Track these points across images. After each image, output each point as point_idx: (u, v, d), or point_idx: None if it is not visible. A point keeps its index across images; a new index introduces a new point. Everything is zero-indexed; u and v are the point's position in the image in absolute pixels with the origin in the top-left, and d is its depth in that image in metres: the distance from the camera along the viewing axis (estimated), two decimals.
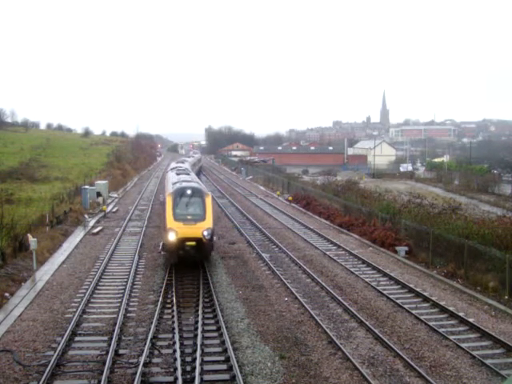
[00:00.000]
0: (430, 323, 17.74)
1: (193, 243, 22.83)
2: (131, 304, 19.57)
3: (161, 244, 26.45)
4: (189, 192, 23.78)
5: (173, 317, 17.85)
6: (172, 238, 22.59)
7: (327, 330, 16.95)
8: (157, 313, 18.09)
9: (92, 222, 36.81)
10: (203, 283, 21.74)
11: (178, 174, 30.39)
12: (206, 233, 22.78)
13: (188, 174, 31.24)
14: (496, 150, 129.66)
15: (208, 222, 23.17)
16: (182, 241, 22.67)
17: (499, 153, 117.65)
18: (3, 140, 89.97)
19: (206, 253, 23.85)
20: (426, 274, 24.56)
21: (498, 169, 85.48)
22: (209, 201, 23.89)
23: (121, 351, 15.29)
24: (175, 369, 13.93)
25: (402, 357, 15.03)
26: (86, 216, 37.93)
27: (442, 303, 19.86)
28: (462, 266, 23.86)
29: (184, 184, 25.00)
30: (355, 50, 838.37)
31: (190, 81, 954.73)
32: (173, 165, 43.95)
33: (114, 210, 43.99)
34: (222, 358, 14.87)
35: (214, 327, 17.28)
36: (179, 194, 23.70)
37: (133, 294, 20.72)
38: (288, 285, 22.06)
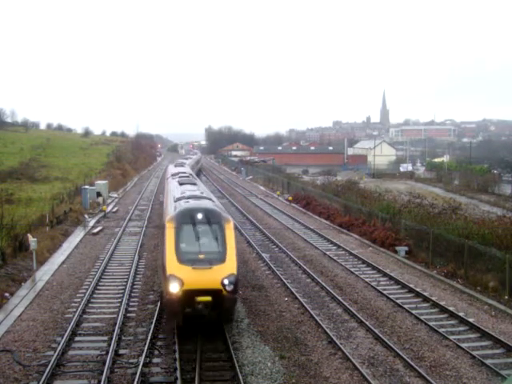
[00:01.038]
0: (430, 323, 17.73)
1: (207, 298, 15.41)
2: (131, 304, 19.56)
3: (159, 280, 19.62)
4: (200, 217, 16.25)
5: None
6: (174, 289, 15.18)
7: (327, 330, 16.95)
8: (157, 313, 18.08)
9: (92, 222, 36.81)
10: None
11: (180, 184, 23.28)
12: (227, 281, 15.37)
13: (194, 184, 23.83)
14: (496, 150, 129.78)
15: (231, 265, 15.74)
16: (191, 294, 15.25)
17: (499, 153, 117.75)
18: (3, 140, 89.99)
19: (227, 312, 15.96)
20: (425, 274, 24.56)
21: (498, 169, 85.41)
22: (230, 230, 16.37)
23: (121, 351, 15.30)
24: (175, 369, 13.94)
25: (401, 357, 15.03)
26: (86, 216, 37.94)
27: (442, 303, 19.86)
28: (462, 266, 23.86)
29: (192, 203, 17.44)
30: (355, 50, 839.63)
31: (190, 81, 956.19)
32: (172, 169, 36.87)
33: (114, 209, 44.00)
34: (223, 358, 14.89)
35: (214, 327, 17.24)
36: (185, 219, 16.21)
37: (133, 294, 20.71)
38: (288, 285, 22.06)
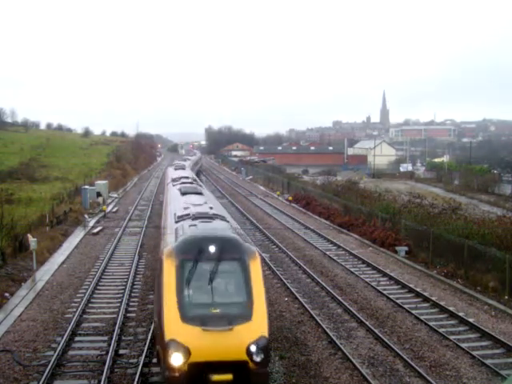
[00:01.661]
0: (430, 323, 17.73)
1: (227, 376, 10.57)
2: (131, 304, 19.56)
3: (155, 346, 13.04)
4: (213, 250, 11.35)
5: None
6: (177, 361, 10.44)
7: (327, 330, 16.95)
8: None
9: (92, 222, 36.81)
10: None
11: (183, 194, 18.95)
12: (255, 348, 10.60)
13: (200, 194, 19.37)
14: (496, 150, 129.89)
15: (259, 323, 10.94)
16: (202, 370, 10.50)
17: (499, 153, 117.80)
18: (3, 140, 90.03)
19: None
20: (425, 274, 24.56)
21: (498, 169, 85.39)
22: (257, 268, 11.60)
23: (121, 351, 15.29)
24: None
25: (401, 357, 15.03)
26: (86, 216, 37.94)
27: (442, 303, 19.86)
28: (461, 265, 23.86)
29: (200, 229, 12.68)
30: (355, 50, 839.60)
31: (190, 80, 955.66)
32: (171, 172, 33.07)
33: (114, 210, 44.01)
34: None
35: None
36: (191, 254, 11.32)
37: (133, 294, 20.71)
38: (288, 285, 22.06)
